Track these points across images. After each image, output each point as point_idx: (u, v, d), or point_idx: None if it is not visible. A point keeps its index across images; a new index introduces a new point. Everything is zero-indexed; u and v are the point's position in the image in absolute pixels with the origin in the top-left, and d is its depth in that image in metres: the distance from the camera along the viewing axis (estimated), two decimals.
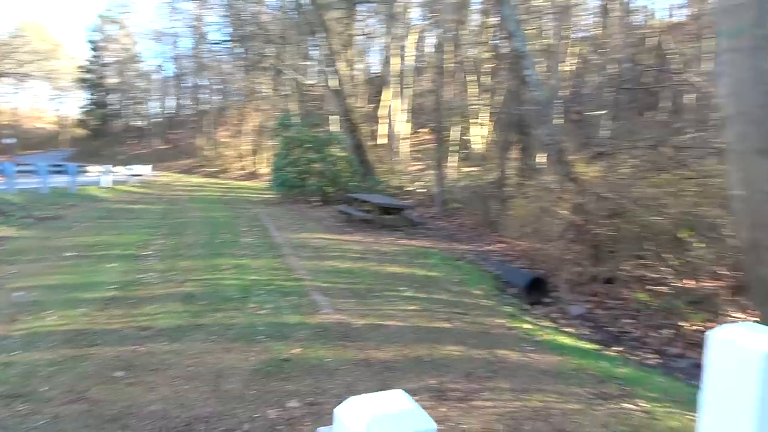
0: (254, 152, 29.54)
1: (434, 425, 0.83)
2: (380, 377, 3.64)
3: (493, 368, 3.87)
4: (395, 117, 20.28)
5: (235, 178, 27.95)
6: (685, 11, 17.88)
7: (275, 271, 6.68)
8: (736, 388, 1.09)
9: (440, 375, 3.69)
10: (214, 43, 33.87)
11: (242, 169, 29.64)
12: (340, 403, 3.02)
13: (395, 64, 20.25)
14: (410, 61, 21.02)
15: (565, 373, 3.90)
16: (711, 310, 5.67)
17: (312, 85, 22.48)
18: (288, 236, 9.38)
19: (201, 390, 3.30)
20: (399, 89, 20.35)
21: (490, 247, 9.29)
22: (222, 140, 32.62)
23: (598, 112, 13.21)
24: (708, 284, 6.19)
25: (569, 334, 5.30)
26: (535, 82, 9.29)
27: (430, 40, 24.68)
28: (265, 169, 25.88)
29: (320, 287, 5.95)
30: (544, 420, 3.10)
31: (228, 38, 29.93)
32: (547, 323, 5.61)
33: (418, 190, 15.54)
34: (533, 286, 6.79)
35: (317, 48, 18.80)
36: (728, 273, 5.97)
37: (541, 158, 10.45)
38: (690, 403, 3.44)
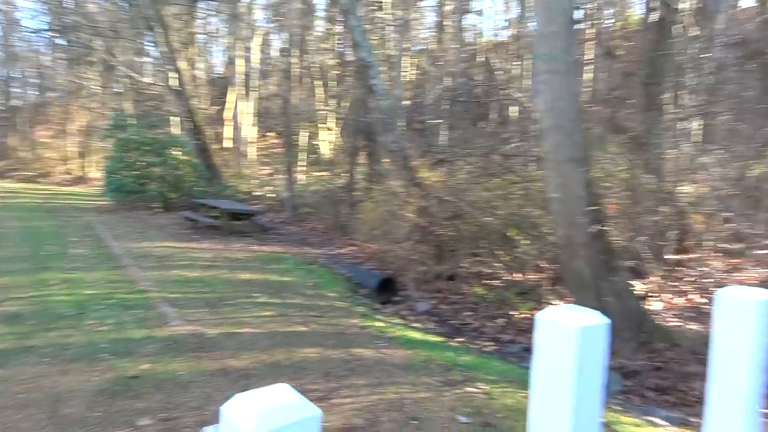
0: (82, 155, 26.75)
1: (319, 412, 0.91)
2: (239, 385, 3.59)
3: (349, 366, 4.03)
4: (242, 120, 19.77)
5: (59, 183, 25.05)
6: (507, 32, 19.86)
7: (115, 284, 6.20)
8: (558, 360, 1.32)
9: (299, 377, 3.75)
10: (29, 31, 30.03)
11: (68, 173, 26.65)
12: (198, 416, 2.94)
13: (240, 65, 19.75)
14: (256, 63, 20.64)
15: (416, 365, 4.19)
16: (535, 299, 6.43)
17: (150, 84, 21.01)
18: (127, 245, 8.71)
19: (36, 418, 3.00)
20: (245, 92, 19.88)
21: (342, 250, 9.51)
22: (41, 141, 29.03)
23: (437, 122, 14.17)
24: (533, 277, 7.01)
25: (418, 329, 5.66)
26: (381, 91, 9.72)
27: (277, 44, 24.50)
28: (96, 173, 23.61)
29: (168, 298, 5.66)
30: (398, 410, 3.31)
31: (47, 27, 26.77)
32: (398, 320, 5.93)
33: (267, 195, 15.33)
34: (383, 286, 7.12)
35: (155, 45, 17.64)
36: (548, 266, 6.82)
37: (387, 164, 10.94)
38: (521, 382, 3.91)
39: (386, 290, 7.07)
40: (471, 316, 6.48)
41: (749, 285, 2.01)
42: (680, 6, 7.45)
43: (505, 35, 20.04)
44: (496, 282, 7.08)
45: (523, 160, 7.78)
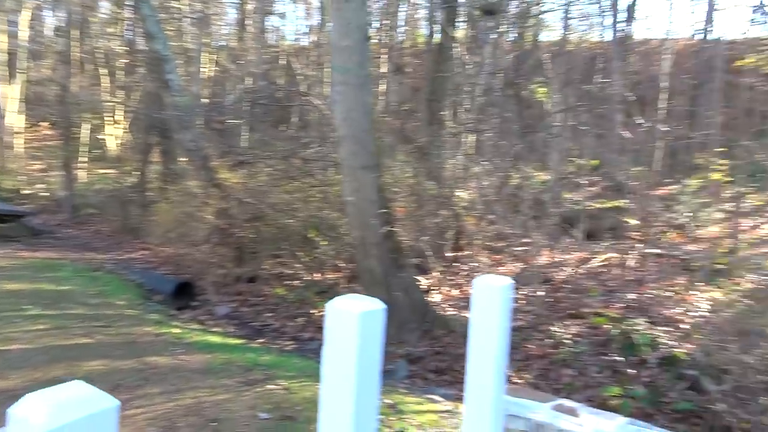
0: None
1: (117, 403, 0.95)
2: (4, 408, 3.19)
3: (143, 376, 3.84)
4: (5, 106, 17.01)
5: None
6: (309, 38, 20.30)
7: None
8: (344, 342, 1.53)
9: None
10: None
11: None
12: None
13: (2, 41, 17.00)
14: (24, 41, 17.93)
15: (215, 368, 4.15)
16: (333, 297, 6.76)
17: None
18: None
19: None
20: (8, 73, 17.14)
21: (132, 255, 8.84)
22: None
23: (238, 122, 13.92)
24: (331, 276, 7.36)
25: (217, 333, 5.58)
26: (177, 87, 9.25)
27: (52, 21, 21.59)
28: None
29: None
30: (196, 414, 3.28)
31: None
32: (196, 325, 5.77)
33: (40, 194, 13.47)
34: (180, 291, 6.83)
35: None
36: (345, 265, 7.23)
37: (184, 163, 10.45)
38: (319, 376, 4.13)
39: (183, 295, 6.80)
40: (272, 316, 6.58)
41: (507, 276, 2.46)
42: (457, 34, 8.50)
43: (306, 41, 20.45)
44: (296, 282, 7.27)
45: (322, 165, 8.09)
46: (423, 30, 14.60)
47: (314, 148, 8.32)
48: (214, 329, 5.76)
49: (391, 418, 3.47)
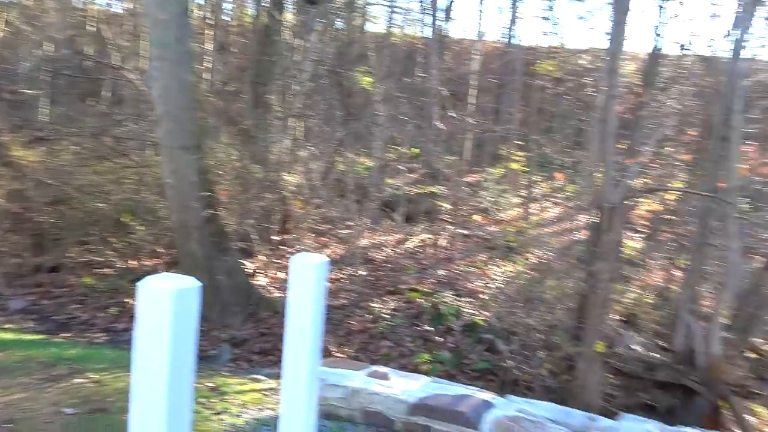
0: None
1: None
2: None
3: None
4: None
5: None
6: (122, 5, 18.51)
7: None
8: (158, 322, 1.54)
9: None
10: None
11: None
12: None
13: None
14: None
15: (10, 366, 3.76)
16: None
17: None
18: None
19: None
20: None
21: None
22: None
23: (35, 93, 12.27)
24: (149, 262, 6.97)
25: (11, 330, 5.03)
26: None
27: None
28: None
29: None
30: None
31: None
32: None
33: None
34: None
35: None
36: (165, 251, 6.89)
37: None
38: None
39: None
40: (79, 308, 6.09)
41: (332, 259, 2.61)
42: (285, 17, 8.47)
43: (120, 8, 18.61)
44: (108, 270, 6.78)
45: (139, 145, 7.56)
46: (250, 10, 14.20)
47: (129, 126, 7.73)
48: (7, 326, 5.17)
49: (212, 401, 3.47)
